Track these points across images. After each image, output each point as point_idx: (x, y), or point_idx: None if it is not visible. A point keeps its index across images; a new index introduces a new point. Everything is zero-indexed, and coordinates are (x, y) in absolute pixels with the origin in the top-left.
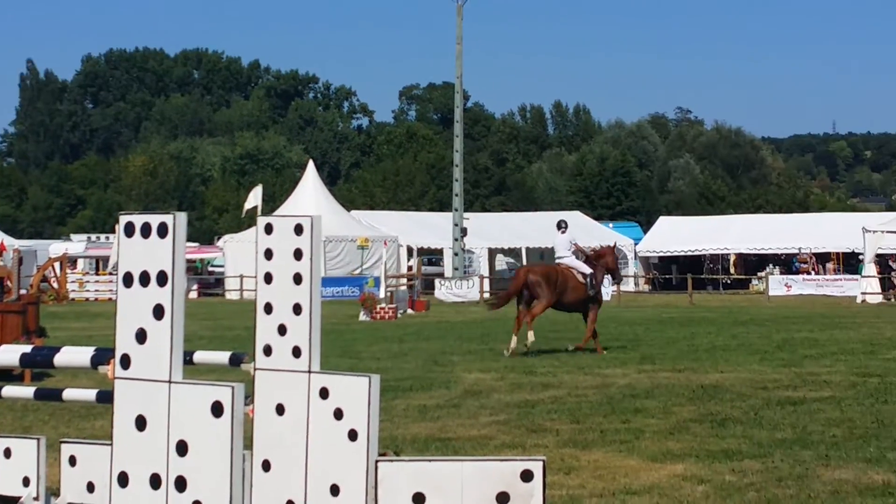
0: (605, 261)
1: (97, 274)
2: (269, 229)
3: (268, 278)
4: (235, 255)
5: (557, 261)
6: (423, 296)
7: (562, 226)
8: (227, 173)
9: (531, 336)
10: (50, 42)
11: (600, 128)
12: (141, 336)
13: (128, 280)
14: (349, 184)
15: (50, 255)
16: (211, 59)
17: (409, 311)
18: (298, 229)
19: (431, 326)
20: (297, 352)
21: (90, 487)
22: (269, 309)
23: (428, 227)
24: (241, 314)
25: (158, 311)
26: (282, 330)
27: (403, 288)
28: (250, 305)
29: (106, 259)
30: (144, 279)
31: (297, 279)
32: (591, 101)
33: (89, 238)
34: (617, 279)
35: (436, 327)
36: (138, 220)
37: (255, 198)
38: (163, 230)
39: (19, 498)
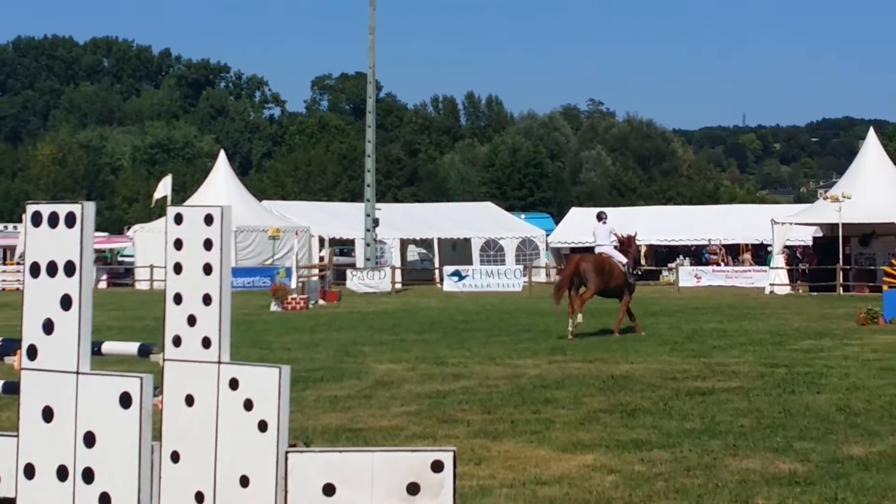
0: (633, 249)
1: (4, 263)
2: (178, 219)
3: (177, 268)
4: (145, 245)
5: (598, 250)
6: (335, 286)
7: (602, 216)
8: (137, 163)
9: (579, 318)
10: None
11: (512, 119)
12: (48, 326)
13: (35, 270)
14: (261, 174)
15: None
16: (121, 48)
17: (321, 301)
18: (208, 219)
19: (343, 317)
20: (206, 342)
21: None
22: (178, 299)
23: (339, 218)
24: (151, 304)
25: (66, 302)
26: (191, 320)
27: (315, 278)
28: (160, 296)
29: (13, 248)
30: (52, 269)
31: (207, 269)
32: (503, 93)
33: None
34: (637, 266)
35: (347, 318)
36: (46, 209)
37: (164, 188)
38: (70, 220)
39: None
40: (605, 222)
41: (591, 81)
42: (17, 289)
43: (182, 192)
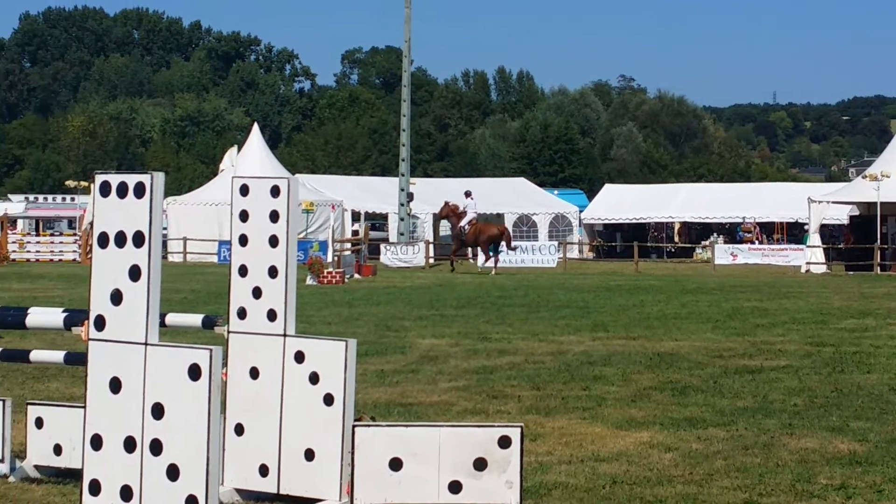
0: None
1: (38, 235)
2: (244, 191)
3: (243, 240)
4: (178, 217)
5: (470, 218)
6: (369, 261)
7: (469, 194)
8: (166, 135)
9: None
10: None
11: (543, 94)
12: (116, 297)
13: (103, 240)
14: (290, 147)
15: None
16: (151, 20)
17: (356, 275)
18: (275, 191)
19: (380, 291)
20: (272, 315)
21: (57, 450)
22: (243, 271)
23: (372, 192)
24: (187, 277)
25: (135, 273)
26: (257, 293)
27: (349, 252)
28: (194, 269)
29: (46, 219)
30: (120, 240)
31: (273, 241)
32: (534, 68)
33: (27, 198)
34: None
35: (384, 292)
36: (115, 179)
37: (230, 159)
38: (140, 190)
39: None
40: (472, 199)
41: (623, 57)
42: (51, 260)
43: (212, 164)
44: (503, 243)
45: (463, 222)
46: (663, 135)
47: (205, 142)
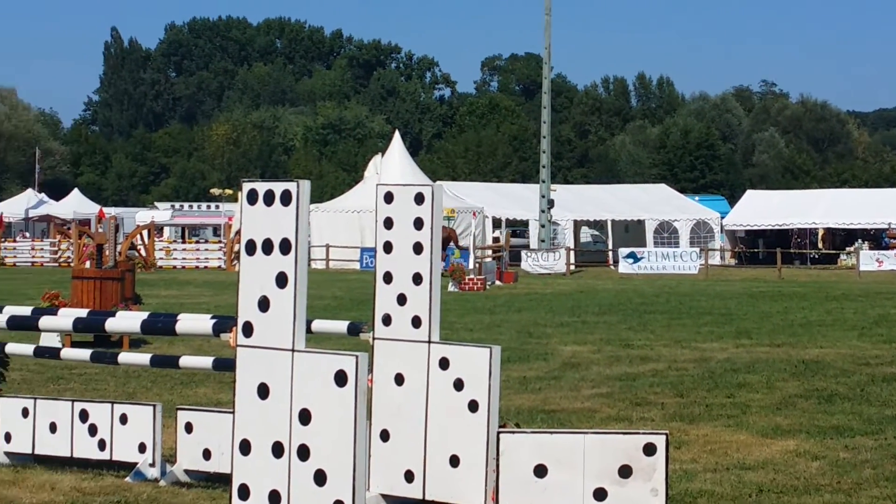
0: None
1: (183, 242)
2: (389, 198)
3: (387, 247)
4: (321, 224)
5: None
6: (510, 267)
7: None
8: (308, 143)
9: None
10: (134, 10)
11: (684, 100)
12: (264, 304)
13: (251, 248)
14: (431, 154)
15: (137, 223)
16: (293, 29)
17: (498, 282)
18: (419, 198)
19: (521, 298)
20: (416, 322)
21: (206, 455)
22: (388, 278)
23: (512, 199)
24: (329, 284)
25: (282, 280)
26: (401, 299)
27: (490, 259)
28: (337, 275)
29: (191, 227)
30: (267, 247)
31: (418, 248)
32: (674, 74)
33: (174, 206)
34: None
35: (525, 299)
36: (261, 187)
37: (374, 166)
38: (286, 198)
39: (136, 464)
40: None
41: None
42: (196, 266)
43: (353, 172)
44: (451, 244)
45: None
46: (806, 140)
47: (346, 149)
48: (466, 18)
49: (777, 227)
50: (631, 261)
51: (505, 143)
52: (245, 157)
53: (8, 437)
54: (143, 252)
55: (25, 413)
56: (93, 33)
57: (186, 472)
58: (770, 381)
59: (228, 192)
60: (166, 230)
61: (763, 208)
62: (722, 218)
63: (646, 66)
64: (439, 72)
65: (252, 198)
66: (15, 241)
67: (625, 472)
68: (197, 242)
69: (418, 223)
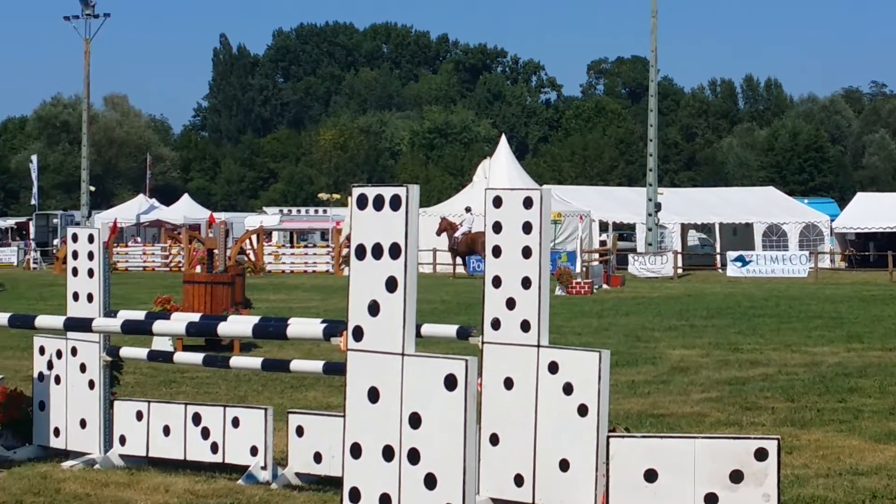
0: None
1: (292, 246)
2: (497, 202)
3: (496, 251)
4: (428, 228)
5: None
6: (617, 271)
7: (470, 209)
8: (415, 147)
9: None
10: (243, 17)
11: (792, 102)
12: (374, 308)
13: (360, 252)
14: (537, 158)
15: (246, 227)
16: (400, 34)
17: (605, 286)
18: (528, 202)
19: (628, 302)
20: (525, 325)
21: (317, 458)
22: (497, 282)
23: (619, 202)
24: (436, 288)
25: (391, 284)
26: (510, 303)
27: (597, 263)
28: (443, 280)
29: (299, 231)
30: (377, 251)
31: (527, 252)
32: (782, 75)
33: (282, 211)
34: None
35: (633, 303)
36: (371, 192)
37: (483, 171)
38: (395, 202)
39: (248, 467)
40: (472, 213)
41: (874, 63)
42: (305, 271)
43: (459, 176)
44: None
45: (457, 234)
46: None
47: (452, 154)
48: (572, 22)
49: (888, 230)
50: (739, 264)
51: (611, 146)
52: (352, 162)
53: (123, 440)
54: (252, 256)
55: (140, 416)
56: (202, 40)
57: (298, 475)
58: (883, 385)
59: (336, 196)
60: (275, 235)
61: (874, 211)
62: (831, 221)
63: (753, 67)
64: (545, 75)
65: (362, 202)
66: (127, 246)
67: (736, 477)
68: (305, 247)
69: (527, 227)
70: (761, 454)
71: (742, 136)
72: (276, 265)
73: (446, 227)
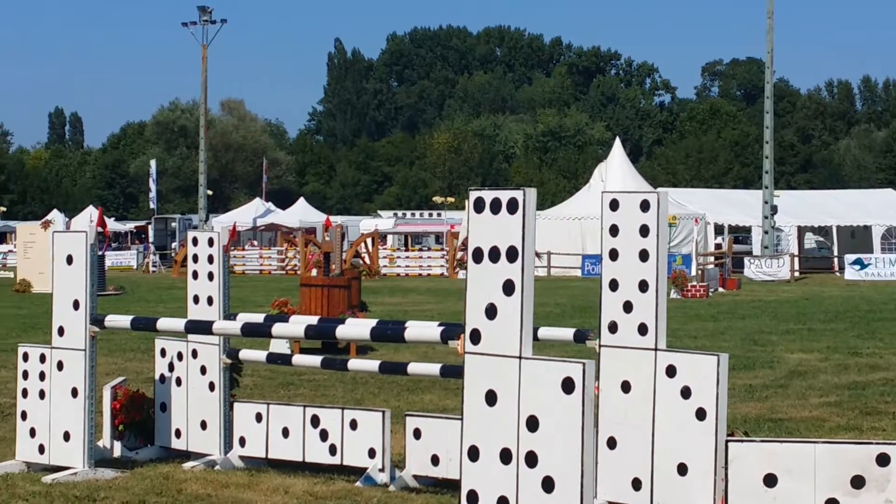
0: None
1: (406, 250)
2: (614, 205)
3: (613, 255)
4: (542, 231)
5: None
6: (733, 274)
7: None
8: (529, 150)
9: None
10: (357, 22)
11: None
12: (491, 311)
13: (478, 255)
14: (651, 161)
15: (361, 231)
16: (513, 37)
17: (720, 289)
18: (644, 205)
19: (744, 305)
20: (643, 329)
21: (434, 460)
22: (614, 286)
23: (735, 205)
24: (550, 291)
25: (509, 287)
26: (627, 307)
27: (713, 266)
28: (558, 282)
29: (414, 235)
30: (494, 255)
31: (644, 256)
32: None
33: (396, 214)
34: None
35: (749, 306)
36: (488, 195)
37: (599, 174)
38: (513, 206)
39: (365, 469)
40: None
41: None
42: (419, 274)
43: (573, 179)
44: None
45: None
46: None
47: (566, 157)
48: (686, 24)
49: None
50: (857, 267)
51: (726, 148)
52: (466, 166)
53: (242, 442)
54: (367, 260)
55: (259, 418)
56: (317, 45)
57: (415, 477)
58: None
59: (450, 200)
60: (389, 238)
61: None
62: None
63: (871, 68)
64: (659, 78)
65: (479, 206)
66: (244, 249)
67: (857, 482)
68: (420, 250)
69: (644, 230)
70: (883, 459)
71: (860, 138)
72: (390, 268)
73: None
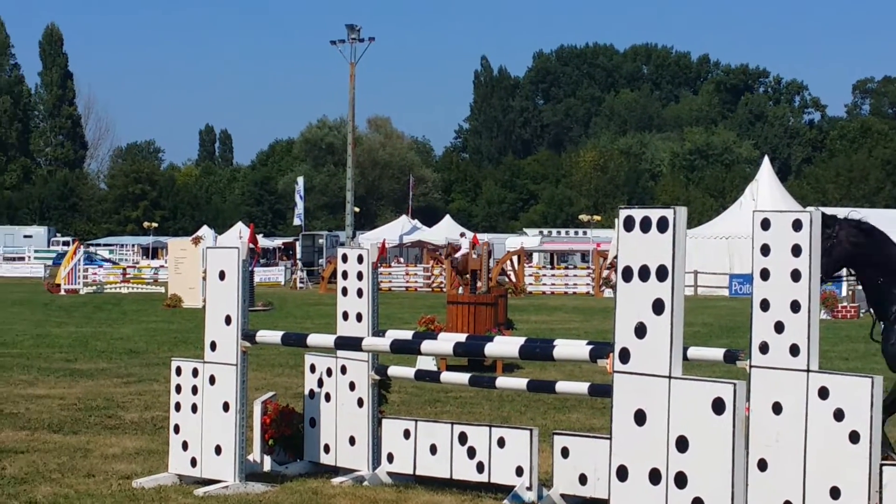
0: None
1: (552, 268)
2: (766, 225)
3: (764, 274)
4: (689, 250)
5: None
6: None
7: None
8: (676, 169)
9: None
10: (503, 40)
11: None
12: (640, 330)
13: (627, 274)
14: (800, 180)
15: (507, 249)
16: (660, 54)
17: (871, 310)
18: (797, 225)
19: None
20: (794, 350)
21: (582, 479)
22: (765, 306)
23: (885, 224)
24: (697, 310)
25: (658, 306)
26: (779, 327)
27: None
28: (705, 302)
29: (561, 253)
30: (644, 273)
31: (795, 276)
32: None
33: (542, 232)
34: None
35: None
36: (638, 214)
37: (751, 192)
38: (663, 224)
39: (513, 487)
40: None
41: None
42: (565, 293)
43: (720, 197)
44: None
45: (457, 255)
46: None
47: (714, 175)
48: (836, 41)
49: None
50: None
51: (878, 167)
52: (612, 184)
53: (391, 458)
54: (512, 277)
55: (407, 434)
56: (463, 63)
57: (563, 496)
58: None
59: (596, 218)
60: (535, 256)
61: None
62: None
63: None
64: (808, 96)
65: (629, 224)
66: (390, 266)
67: None
68: (566, 268)
69: (796, 250)
70: None
71: None
72: (536, 286)
73: (451, 251)
